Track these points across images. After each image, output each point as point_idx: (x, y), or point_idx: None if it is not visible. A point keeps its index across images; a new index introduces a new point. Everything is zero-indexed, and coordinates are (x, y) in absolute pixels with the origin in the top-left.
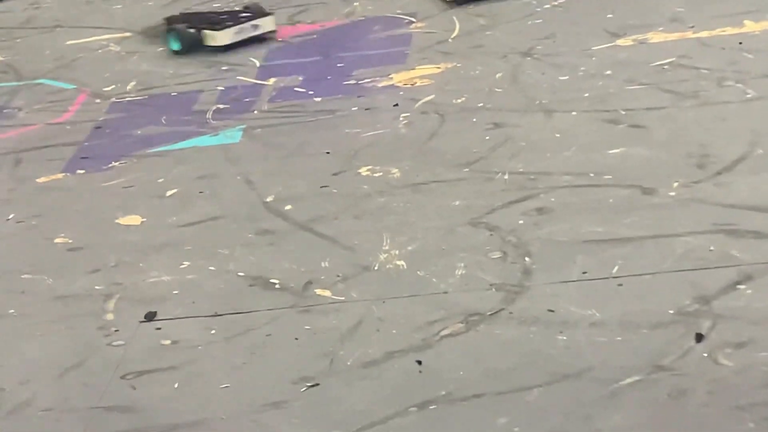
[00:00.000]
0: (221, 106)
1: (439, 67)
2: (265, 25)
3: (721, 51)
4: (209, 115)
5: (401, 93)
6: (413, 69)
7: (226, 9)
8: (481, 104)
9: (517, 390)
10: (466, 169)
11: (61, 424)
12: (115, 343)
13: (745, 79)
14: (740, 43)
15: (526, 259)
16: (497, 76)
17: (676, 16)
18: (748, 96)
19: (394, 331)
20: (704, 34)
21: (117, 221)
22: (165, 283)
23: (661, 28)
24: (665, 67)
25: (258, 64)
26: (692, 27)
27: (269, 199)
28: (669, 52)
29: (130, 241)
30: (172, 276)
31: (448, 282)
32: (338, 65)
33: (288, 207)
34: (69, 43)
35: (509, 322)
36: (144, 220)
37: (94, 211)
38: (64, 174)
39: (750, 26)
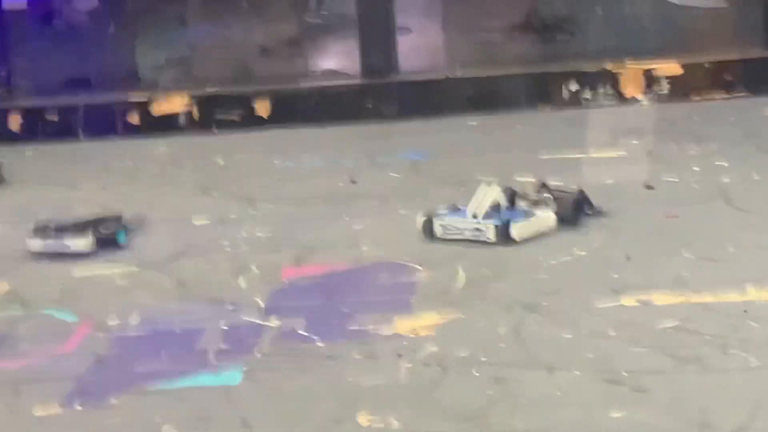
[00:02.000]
0: (223, 346)
1: (443, 318)
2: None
3: (726, 317)
4: (211, 354)
5: (405, 342)
6: (418, 318)
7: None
8: (484, 358)
9: None
10: (466, 424)
11: None
12: None
13: (749, 348)
14: (745, 311)
15: None
16: (501, 330)
17: (680, 279)
18: (752, 365)
19: None
20: (708, 299)
21: None
22: None
23: (665, 290)
24: (668, 330)
25: (262, 304)
26: (696, 291)
27: None
28: (672, 315)
29: None
30: None
31: None
32: (343, 310)
33: None
34: (76, 275)
35: None
36: None
37: None
38: (62, 408)
39: (754, 294)
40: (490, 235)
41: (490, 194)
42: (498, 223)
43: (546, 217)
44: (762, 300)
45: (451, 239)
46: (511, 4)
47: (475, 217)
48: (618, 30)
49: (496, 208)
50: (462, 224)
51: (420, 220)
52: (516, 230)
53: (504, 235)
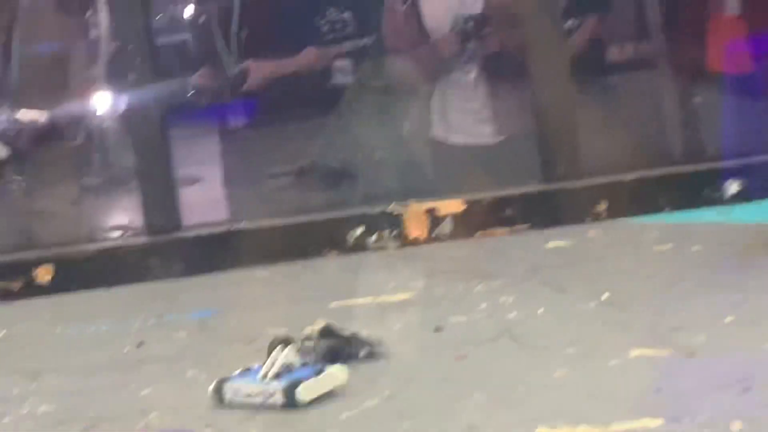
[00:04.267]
0: None
1: None
2: None
3: None
4: None
5: None
6: None
7: None
8: None
9: None
10: None
11: None
12: None
13: None
14: None
15: None
16: None
17: (473, 425)
18: None
19: None
20: None
21: None
22: None
23: None
24: None
25: None
26: None
27: None
28: None
29: None
30: None
31: None
32: None
33: None
34: None
35: None
36: None
37: None
38: None
39: None
40: (278, 398)
41: (285, 354)
42: (285, 384)
43: (337, 371)
44: None
45: (241, 406)
46: (293, 152)
47: (265, 378)
48: (399, 172)
49: (287, 368)
50: (250, 389)
51: (211, 386)
52: (303, 391)
53: (290, 397)
